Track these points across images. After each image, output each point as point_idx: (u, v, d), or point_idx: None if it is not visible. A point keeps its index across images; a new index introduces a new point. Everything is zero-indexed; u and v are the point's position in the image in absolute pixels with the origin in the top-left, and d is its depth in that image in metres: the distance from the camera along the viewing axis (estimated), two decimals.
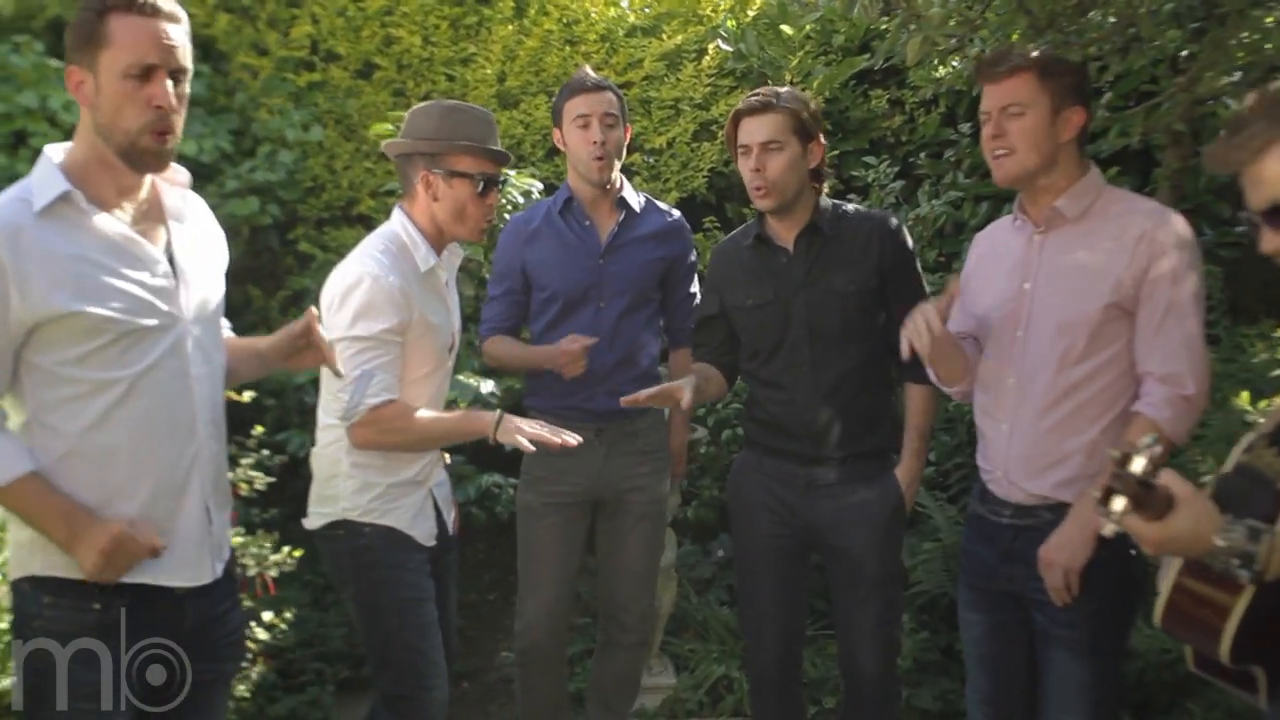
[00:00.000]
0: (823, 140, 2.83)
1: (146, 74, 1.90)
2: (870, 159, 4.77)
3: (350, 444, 2.56)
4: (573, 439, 2.54)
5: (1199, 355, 2.31)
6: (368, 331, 2.49)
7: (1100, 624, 2.40)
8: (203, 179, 4.40)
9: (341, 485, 2.61)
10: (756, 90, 2.86)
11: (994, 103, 2.38)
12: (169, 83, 1.92)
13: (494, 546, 4.81)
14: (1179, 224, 2.34)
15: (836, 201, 2.97)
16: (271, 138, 4.59)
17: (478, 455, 4.25)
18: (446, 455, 3.02)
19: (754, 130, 2.76)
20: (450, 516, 2.85)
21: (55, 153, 1.96)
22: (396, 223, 2.66)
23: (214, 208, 4.23)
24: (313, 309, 2.32)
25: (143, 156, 1.94)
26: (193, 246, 2.13)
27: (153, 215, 2.06)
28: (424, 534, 2.69)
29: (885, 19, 2.77)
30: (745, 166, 2.79)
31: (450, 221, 2.64)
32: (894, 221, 2.91)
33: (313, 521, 2.67)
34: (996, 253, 2.58)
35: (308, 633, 3.69)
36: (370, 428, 2.51)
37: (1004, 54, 2.41)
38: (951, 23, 2.61)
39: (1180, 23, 3.05)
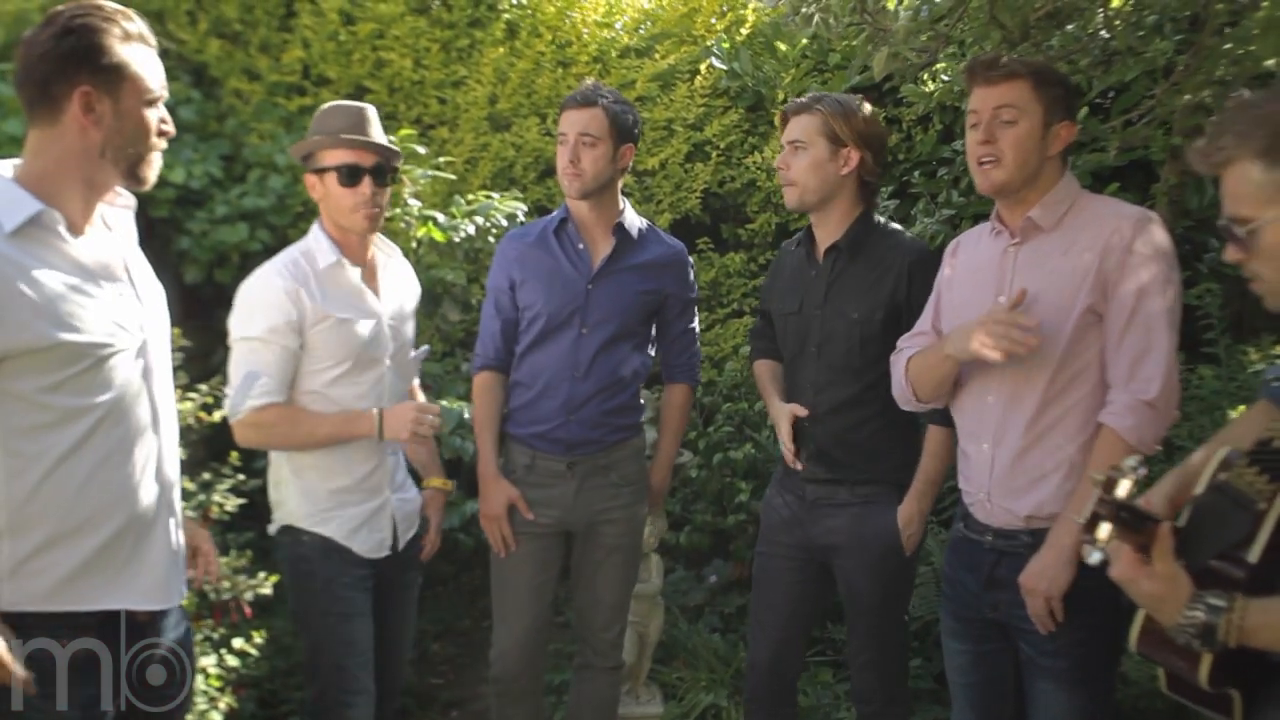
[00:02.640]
0: (863, 151, 2.77)
1: (156, 103, 1.99)
2: None
3: (235, 440, 2.64)
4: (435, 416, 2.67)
5: (1164, 360, 2.25)
6: (252, 331, 2.58)
7: (1088, 652, 2.33)
8: (192, 205, 4.39)
9: (285, 490, 2.70)
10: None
11: (986, 104, 2.32)
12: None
13: (488, 574, 4.74)
14: (1153, 228, 2.27)
15: (880, 221, 2.91)
16: (262, 163, 4.56)
17: (466, 481, 4.21)
18: (444, 481, 3.04)
19: (789, 130, 2.82)
20: (408, 533, 2.84)
21: (5, 168, 1.92)
22: (311, 230, 2.75)
23: (204, 234, 4.33)
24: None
25: (146, 173, 2.01)
26: (142, 267, 2.12)
27: (107, 235, 2.05)
28: (366, 546, 2.70)
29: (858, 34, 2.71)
30: (778, 163, 2.86)
31: (337, 216, 2.70)
32: (924, 255, 2.82)
33: (272, 527, 2.75)
34: (974, 263, 2.52)
35: (289, 661, 3.63)
36: (251, 428, 2.60)
37: (999, 57, 2.35)
38: (924, 37, 2.55)
39: (1164, 34, 2.99)
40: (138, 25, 1.96)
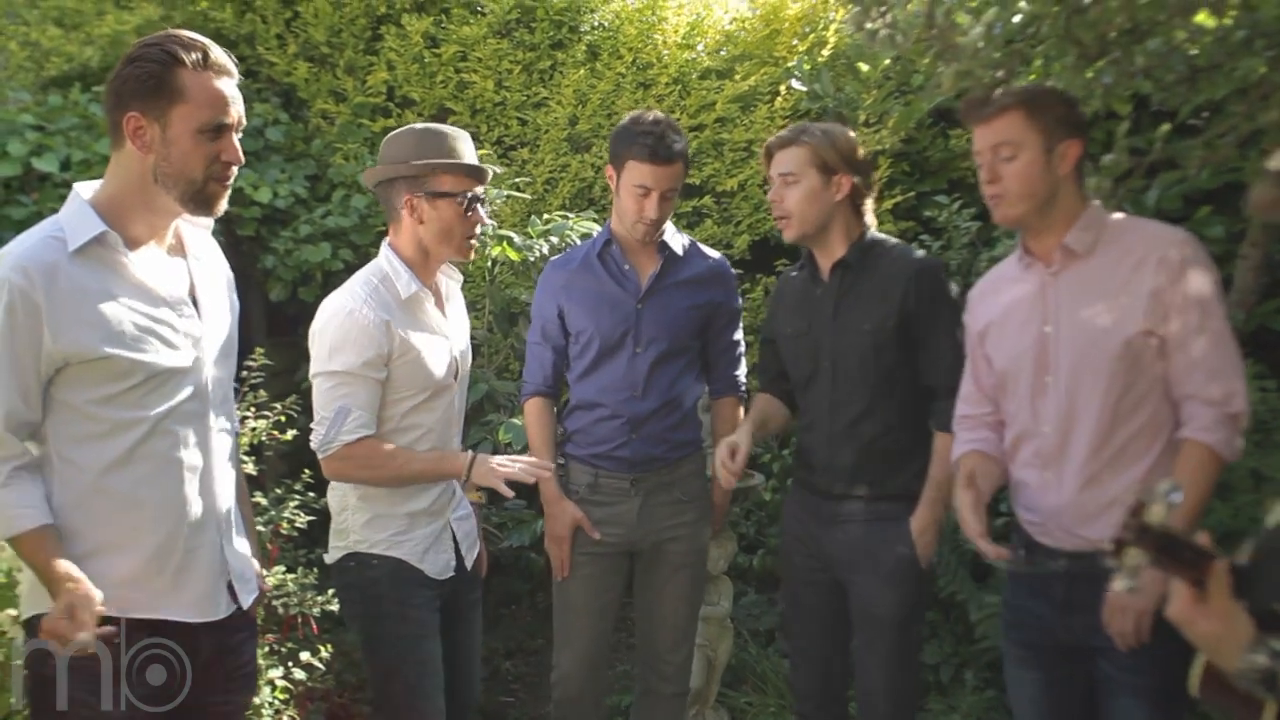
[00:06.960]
0: (854, 177, 2.81)
1: (219, 131, 2.00)
2: (942, 199, 4.63)
3: (324, 473, 2.61)
4: (545, 470, 2.63)
5: (1238, 369, 2.26)
6: (344, 366, 2.52)
7: (1170, 670, 2.22)
8: (278, 224, 4.50)
9: (351, 519, 2.66)
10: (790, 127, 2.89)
11: (985, 143, 2.36)
12: (235, 137, 2.04)
13: None
14: (1186, 240, 2.29)
15: (881, 237, 2.93)
16: (346, 183, 4.66)
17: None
18: (479, 493, 3.00)
19: (777, 163, 2.83)
20: (473, 553, 2.82)
21: (84, 190, 2.00)
22: (382, 254, 2.68)
23: (288, 252, 4.41)
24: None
25: (209, 200, 2.04)
26: (211, 286, 2.17)
27: (176, 255, 2.12)
28: (436, 568, 2.68)
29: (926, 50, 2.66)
30: (771, 197, 2.87)
31: (437, 243, 2.64)
32: (929, 263, 2.87)
33: (330, 555, 2.72)
34: (1011, 301, 2.50)
35: (359, 676, 3.66)
36: (343, 462, 2.56)
37: (989, 95, 2.38)
38: (997, 55, 2.50)
39: (1254, 50, 2.87)
40: (209, 56, 1.99)
